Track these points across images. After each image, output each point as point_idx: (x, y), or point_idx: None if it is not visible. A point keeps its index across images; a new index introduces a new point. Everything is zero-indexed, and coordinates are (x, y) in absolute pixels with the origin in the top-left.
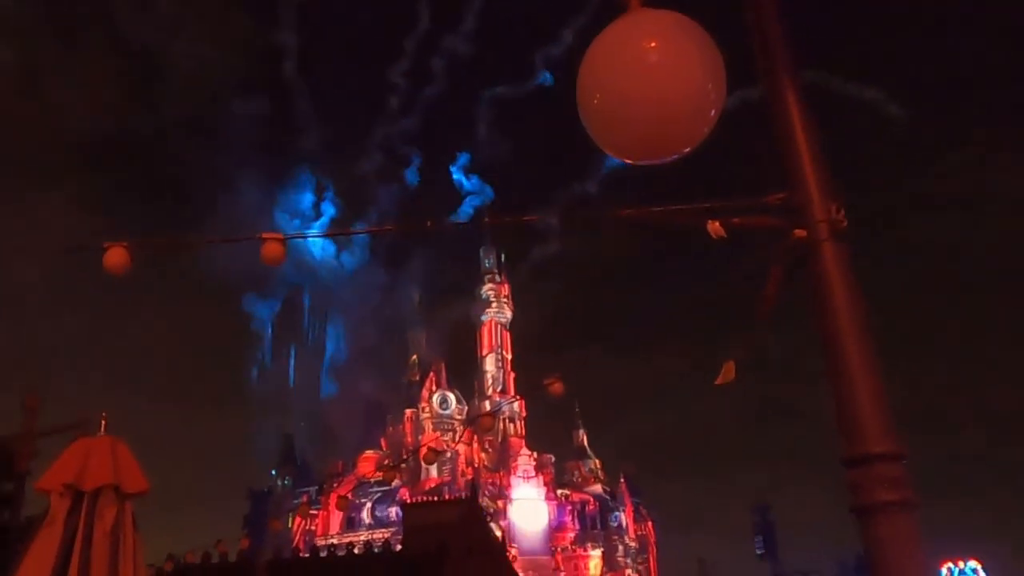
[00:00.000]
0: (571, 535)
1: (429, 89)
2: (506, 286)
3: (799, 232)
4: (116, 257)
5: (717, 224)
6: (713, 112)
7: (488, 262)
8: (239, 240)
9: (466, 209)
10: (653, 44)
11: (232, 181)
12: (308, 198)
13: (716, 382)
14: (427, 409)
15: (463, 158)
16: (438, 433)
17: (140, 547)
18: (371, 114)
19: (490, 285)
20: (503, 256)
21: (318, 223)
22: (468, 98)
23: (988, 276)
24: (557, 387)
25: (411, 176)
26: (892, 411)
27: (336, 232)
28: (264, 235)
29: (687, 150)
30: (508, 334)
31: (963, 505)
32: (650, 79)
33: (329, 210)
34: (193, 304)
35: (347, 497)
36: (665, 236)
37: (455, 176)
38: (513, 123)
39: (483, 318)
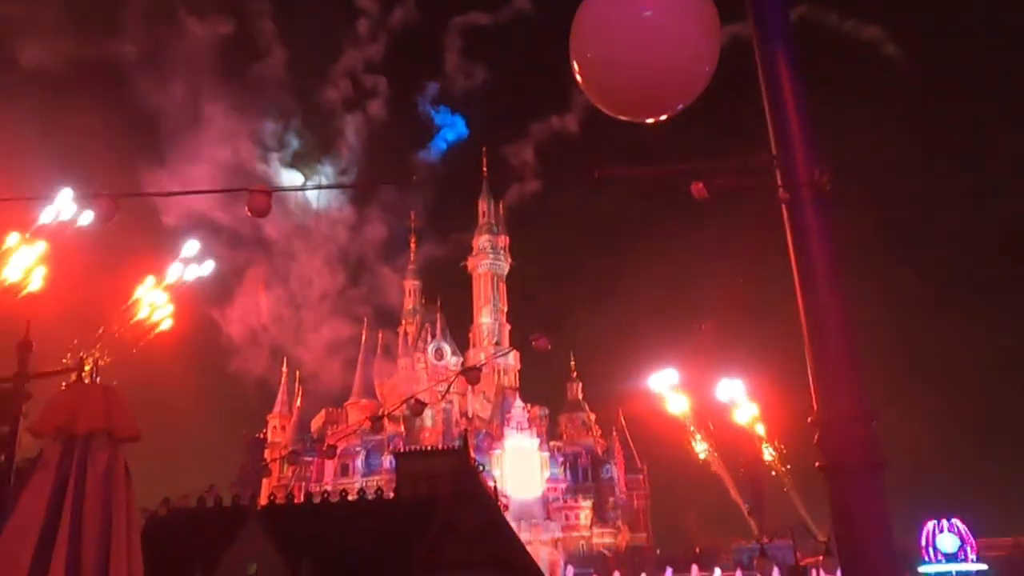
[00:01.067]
0: (563, 486)
1: (398, 15)
2: (503, 237)
3: (783, 194)
4: (104, 207)
5: (700, 185)
6: (707, 68)
7: (485, 212)
8: (227, 191)
9: (438, 144)
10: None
11: (195, 111)
12: (271, 128)
13: (697, 336)
14: (422, 359)
15: (432, 88)
16: (431, 383)
17: (132, 491)
18: (338, 40)
19: (487, 235)
20: (500, 206)
21: (285, 153)
22: (439, 26)
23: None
24: (542, 343)
25: (379, 106)
26: (864, 374)
27: (328, 186)
28: (251, 188)
29: (681, 107)
30: (504, 285)
31: (951, 466)
32: (645, 34)
33: (293, 142)
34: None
35: (335, 447)
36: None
37: (426, 108)
38: (487, 52)
39: (479, 269)
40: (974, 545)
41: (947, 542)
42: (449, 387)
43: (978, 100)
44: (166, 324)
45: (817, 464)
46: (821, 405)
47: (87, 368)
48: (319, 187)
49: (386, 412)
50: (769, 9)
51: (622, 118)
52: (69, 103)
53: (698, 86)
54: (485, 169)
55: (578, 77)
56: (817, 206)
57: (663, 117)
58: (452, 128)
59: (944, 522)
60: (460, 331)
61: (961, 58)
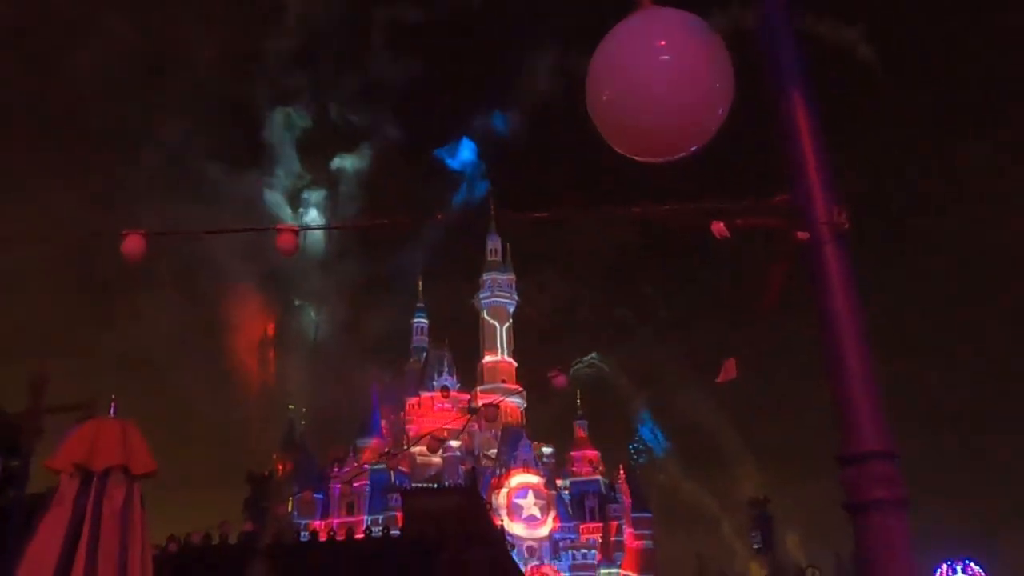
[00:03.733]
0: (569, 525)
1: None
2: (511, 275)
3: (801, 234)
4: (133, 244)
5: (721, 225)
6: (721, 111)
7: (493, 250)
8: (254, 230)
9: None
10: (663, 43)
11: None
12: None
13: (718, 380)
14: (430, 395)
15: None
16: (440, 420)
17: (147, 527)
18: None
19: (494, 273)
20: (508, 245)
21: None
22: (362, 20)
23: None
24: (560, 380)
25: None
26: (889, 410)
27: (349, 225)
28: (279, 227)
29: (694, 148)
30: (512, 323)
31: (965, 505)
32: (659, 77)
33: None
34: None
35: (349, 482)
36: (671, 233)
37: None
38: (418, 47)
39: (485, 305)
40: None
41: None
42: (467, 424)
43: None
44: None
45: (843, 505)
46: (844, 442)
47: (104, 402)
48: (345, 226)
49: (396, 451)
50: (783, 49)
51: (636, 159)
52: None
53: (712, 128)
54: (492, 209)
55: (593, 118)
56: (836, 245)
57: (678, 158)
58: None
59: (958, 564)
60: (467, 369)
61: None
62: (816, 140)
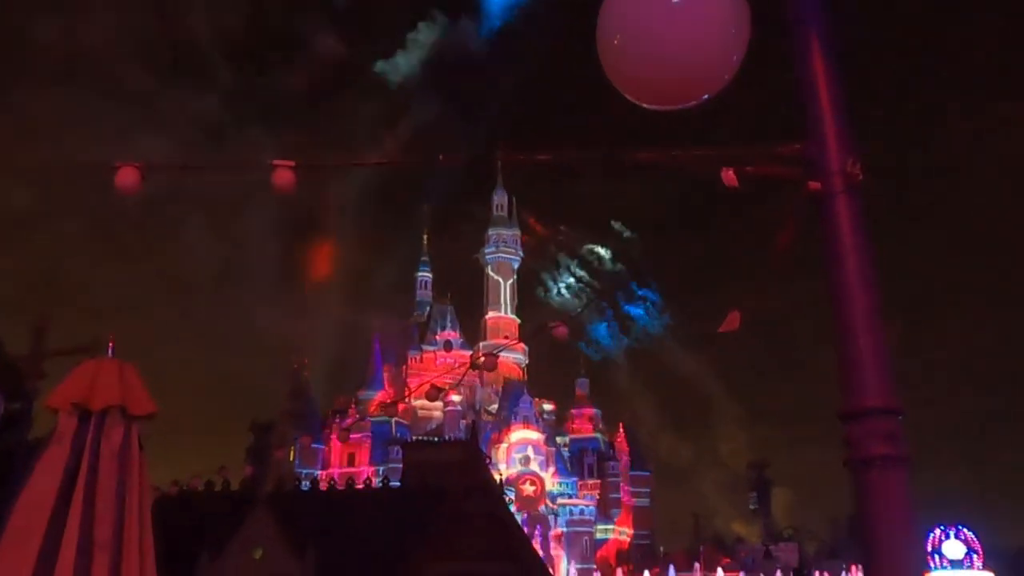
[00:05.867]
0: (568, 482)
1: None
2: (516, 231)
3: (813, 184)
4: (127, 177)
5: (731, 172)
6: (735, 57)
7: (499, 205)
8: (250, 167)
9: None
10: None
11: None
12: None
13: (719, 329)
14: (432, 350)
15: None
16: (441, 372)
17: (145, 468)
18: None
19: (500, 229)
20: (514, 199)
21: None
22: None
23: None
24: (561, 331)
25: None
26: (893, 369)
27: (354, 163)
28: (275, 162)
29: (707, 96)
30: (516, 279)
31: (963, 470)
32: (672, 21)
33: None
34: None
35: (347, 431)
36: (678, 182)
37: None
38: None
39: (490, 261)
40: (980, 552)
41: (953, 549)
42: (464, 375)
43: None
44: None
45: (844, 461)
46: (847, 398)
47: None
48: (345, 163)
49: (396, 400)
50: None
51: (647, 106)
52: None
53: (726, 75)
54: (499, 156)
55: (603, 65)
56: (848, 196)
57: (689, 105)
58: None
59: (951, 530)
60: (470, 324)
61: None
62: (833, 88)
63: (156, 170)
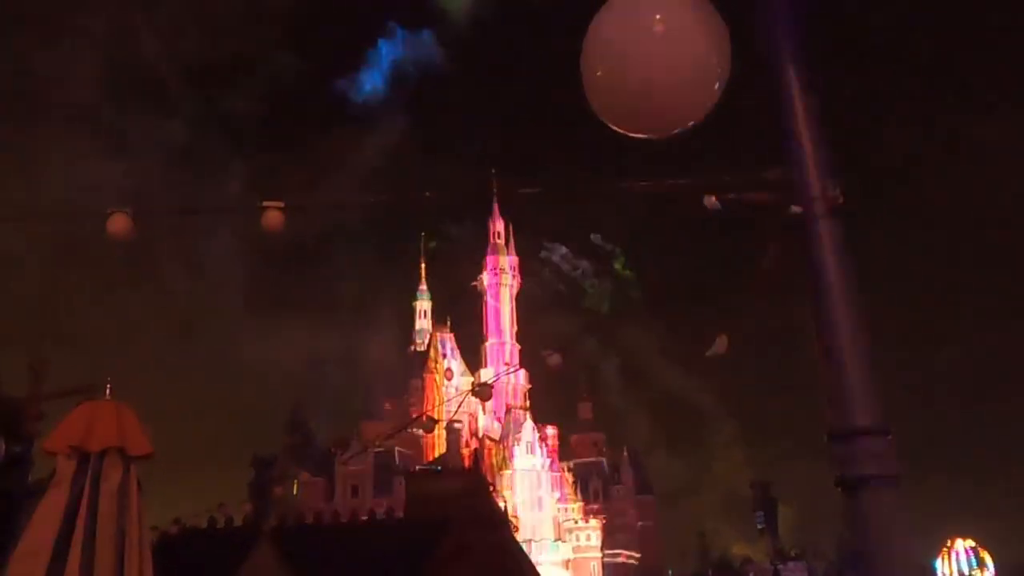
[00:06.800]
0: (573, 507)
1: None
2: (514, 256)
3: (795, 208)
4: (119, 224)
5: (713, 198)
6: (717, 85)
7: (496, 232)
8: (240, 209)
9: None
10: (658, 15)
11: None
12: None
13: (706, 354)
14: (432, 379)
15: None
16: (439, 402)
17: (144, 508)
18: None
19: (497, 256)
20: (511, 226)
21: None
22: None
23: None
24: (555, 360)
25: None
26: (880, 386)
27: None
28: (265, 203)
29: (691, 124)
30: (515, 305)
31: (975, 482)
32: (655, 51)
33: None
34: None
35: (347, 463)
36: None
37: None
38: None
39: (489, 287)
40: (989, 562)
41: (962, 559)
42: (460, 405)
43: None
44: None
45: (834, 482)
46: (835, 418)
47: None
48: (334, 204)
49: (397, 430)
50: (781, 20)
51: (631, 135)
52: None
53: (708, 102)
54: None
55: (588, 95)
56: (830, 220)
57: (673, 133)
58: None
59: (959, 540)
60: (471, 351)
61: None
62: (811, 113)
63: (147, 215)
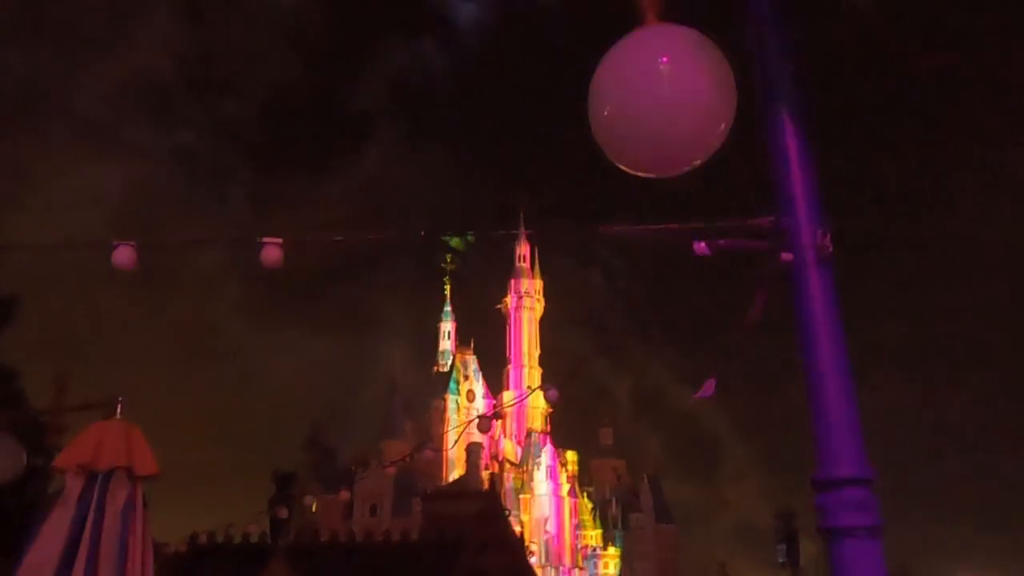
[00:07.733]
0: (591, 534)
1: None
2: (538, 280)
3: (785, 256)
4: (123, 255)
5: (703, 245)
6: (723, 126)
7: (521, 256)
8: (239, 240)
9: None
10: (665, 59)
11: None
12: None
13: (693, 396)
14: (454, 400)
15: None
16: (461, 424)
17: (149, 528)
18: None
19: (522, 279)
20: (536, 250)
21: None
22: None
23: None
24: (552, 394)
25: None
26: (865, 436)
27: (345, 239)
28: (264, 240)
29: (697, 163)
30: (538, 328)
31: (978, 524)
32: (661, 92)
33: None
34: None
35: (370, 486)
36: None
37: None
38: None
39: (513, 310)
40: None
41: None
42: (461, 433)
43: None
44: None
45: (816, 529)
46: (819, 467)
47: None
48: (334, 240)
49: (417, 450)
50: (772, 67)
51: (637, 174)
52: None
53: (714, 144)
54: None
55: (595, 135)
56: (820, 268)
57: (678, 174)
58: None
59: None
60: (494, 373)
61: None
62: (803, 161)
63: (150, 247)
